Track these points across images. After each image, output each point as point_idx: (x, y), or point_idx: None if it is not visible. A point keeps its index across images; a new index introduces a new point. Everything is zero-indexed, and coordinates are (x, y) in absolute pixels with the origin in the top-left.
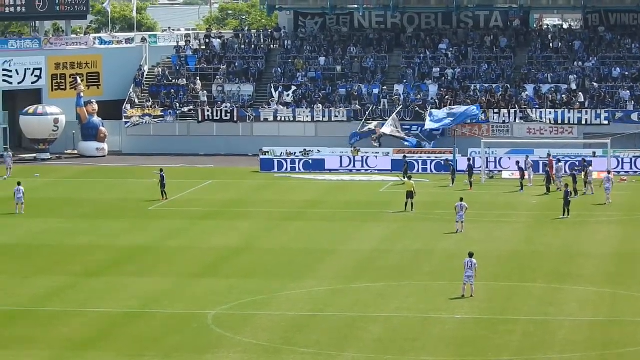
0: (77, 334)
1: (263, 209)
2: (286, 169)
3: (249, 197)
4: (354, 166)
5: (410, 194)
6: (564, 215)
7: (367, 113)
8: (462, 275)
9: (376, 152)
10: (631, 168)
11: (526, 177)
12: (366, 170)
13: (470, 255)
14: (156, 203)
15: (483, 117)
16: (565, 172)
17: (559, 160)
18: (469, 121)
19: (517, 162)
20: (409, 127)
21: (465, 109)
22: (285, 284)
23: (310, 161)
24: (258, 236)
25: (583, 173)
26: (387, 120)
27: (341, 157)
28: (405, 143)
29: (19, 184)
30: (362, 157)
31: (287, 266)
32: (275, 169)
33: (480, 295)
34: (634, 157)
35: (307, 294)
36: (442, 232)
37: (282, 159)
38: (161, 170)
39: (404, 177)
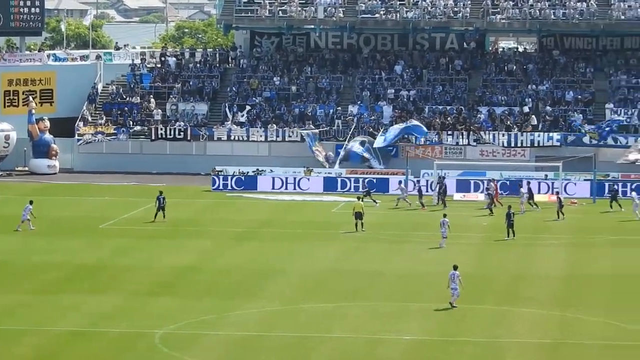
0: (28, 354)
1: (215, 228)
2: (238, 188)
3: (202, 217)
4: (306, 186)
5: (359, 215)
6: (508, 236)
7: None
8: (411, 295)
9: (328, 172)
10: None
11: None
12: (319, 190)
13: (455, 267)
14: (107, 221)
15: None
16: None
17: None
18: (414, 135)
19: (440, 177)
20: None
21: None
22: (236, 304)
23: (264, 180)
24: (210, 255)
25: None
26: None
27: (294, 177)
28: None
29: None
30: (315, 177)
31: (238, 286)
32: (228, 188)
33: (430, 316)
34: (584, 180)
35: (257, 314)
36: (392, 253)
37: (235, 177)
38: (161, 193)
39: (371, 199)
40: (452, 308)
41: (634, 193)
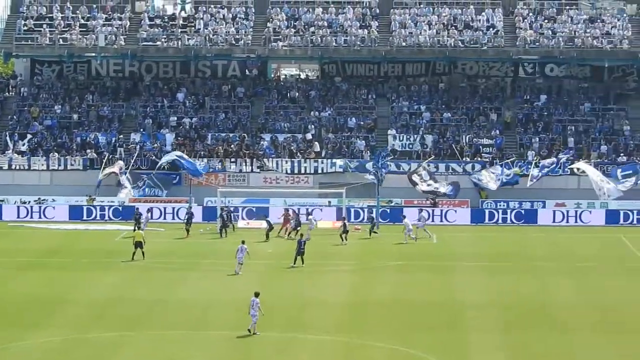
0: None
1: None
2: (20, 217)
3: None
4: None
5: (139, 244)
6: (295, 264)
7: (104, 162)
8: (196, 324)
9: (111, 201)
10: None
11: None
12: (102, 219)
13: (256, 295)
14: None
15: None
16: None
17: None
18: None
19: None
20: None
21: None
22: (19, 335)
23: (45, 210)
24: None
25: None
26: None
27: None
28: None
29: None
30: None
31: (22, 316)
32: (9, 218)
33: (216, 344)
34: (368, 206)
35: (41, 344)
36: (176, 281)
37: (16, 207)
38: None
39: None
40: (252, 335)
41: (405, 219)
